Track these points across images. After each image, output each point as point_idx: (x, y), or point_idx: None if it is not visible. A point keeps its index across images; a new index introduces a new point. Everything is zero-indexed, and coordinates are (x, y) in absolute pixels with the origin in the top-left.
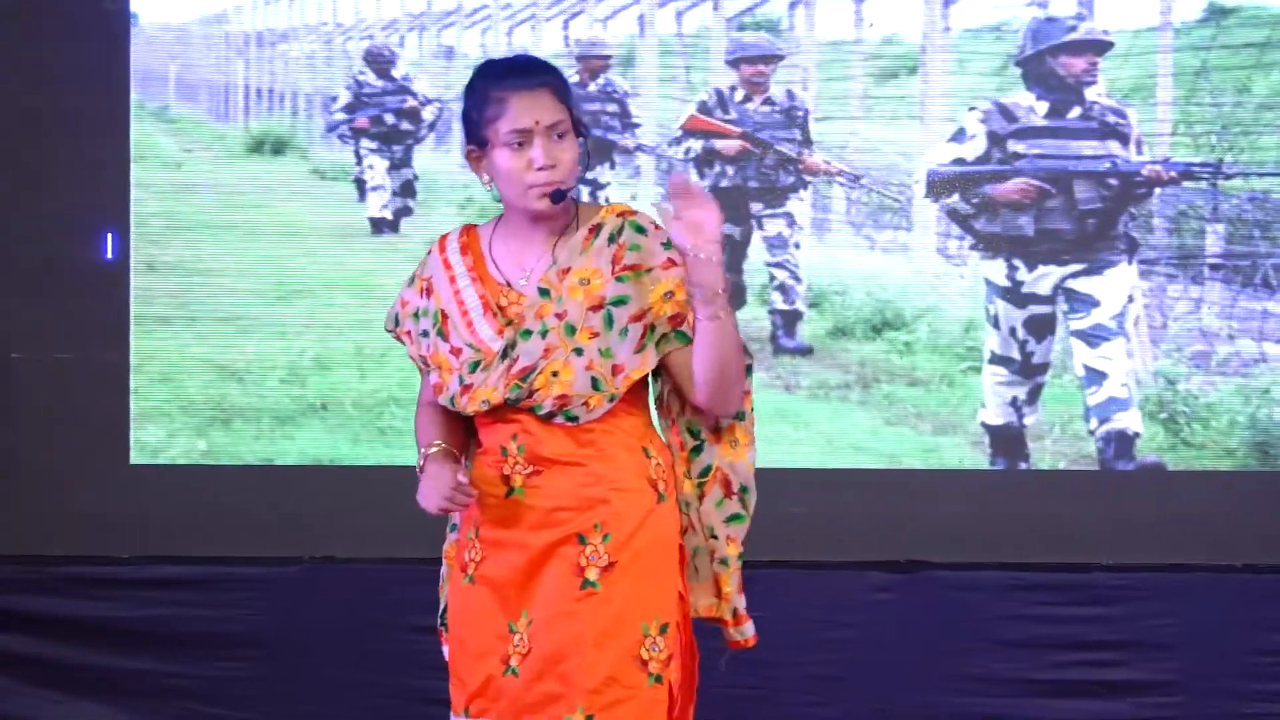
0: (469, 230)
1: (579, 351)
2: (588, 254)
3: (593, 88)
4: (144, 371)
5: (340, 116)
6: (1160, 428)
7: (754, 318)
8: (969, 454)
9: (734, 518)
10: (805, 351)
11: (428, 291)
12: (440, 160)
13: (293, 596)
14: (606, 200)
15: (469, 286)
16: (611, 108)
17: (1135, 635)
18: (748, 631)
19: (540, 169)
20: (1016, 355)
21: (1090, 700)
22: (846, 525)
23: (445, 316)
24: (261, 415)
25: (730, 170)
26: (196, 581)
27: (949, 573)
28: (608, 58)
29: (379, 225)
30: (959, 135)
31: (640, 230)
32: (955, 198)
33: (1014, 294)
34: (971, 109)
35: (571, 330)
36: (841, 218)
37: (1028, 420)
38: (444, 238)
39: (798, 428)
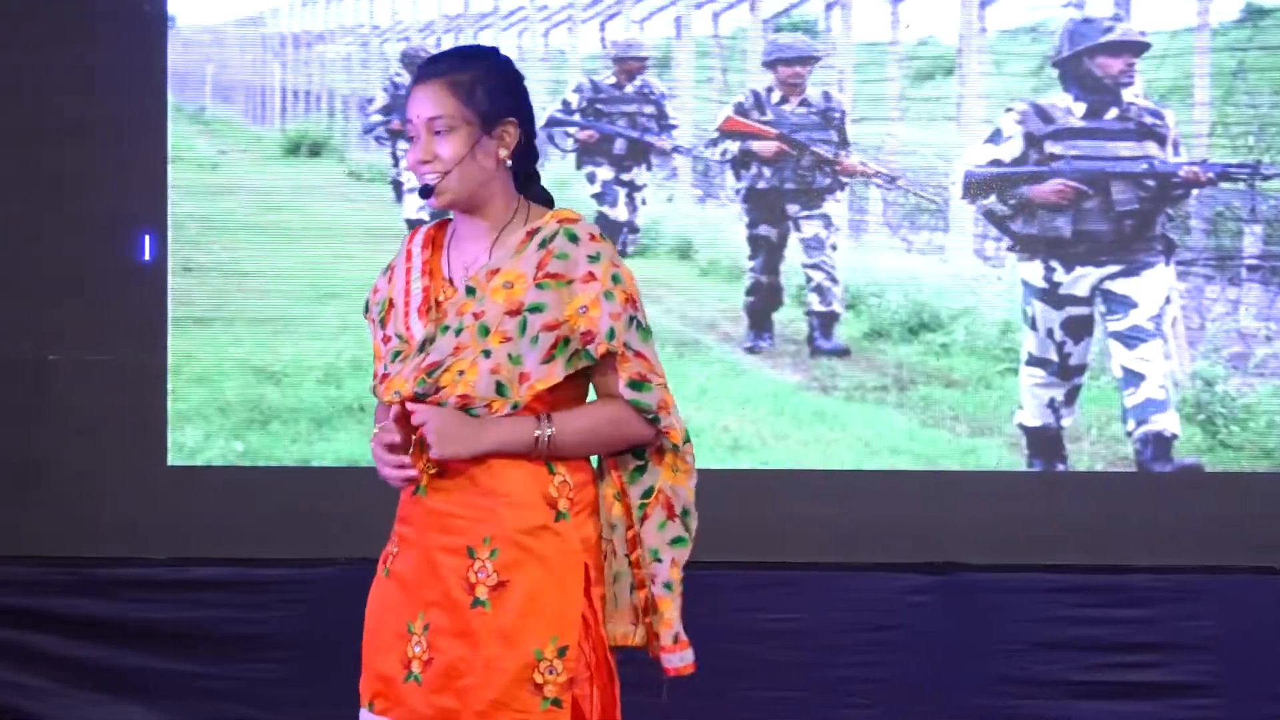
0: (441, 225)
1: (487, 354)
2: (519, 257)
3: (629, 89)
4: (181, 373)
5: (377, 118)
6: (1198, 429)
7: (790, 319)
8: (1006, 456)
9: (677, 540)
10: (842, 353)
11: (390, 280)
12: None
13: (329, 598)
14: (643, 202)
15: (418, 279)
16: (648, 109)
17: (1173, 637)
18: (688, 658)
19: (415, 163)
20: (1054, 357)
21: (1127, 702)
22: (883, 527)
23: (391, 305)
24: (298, 417)
25: (767, 172)
26: (233, 583)
27: (986, 575)
28: (644, 59)
29: (415, 227)
30: (996, 136)
31: (573, 239)
32: (992, 199)
33: (1051, 295)
34: (1008, 110)
35: (485, 331)
36: (878, 219)
37: (1065, 422)
38: (417, 228)
39: (834, 429)
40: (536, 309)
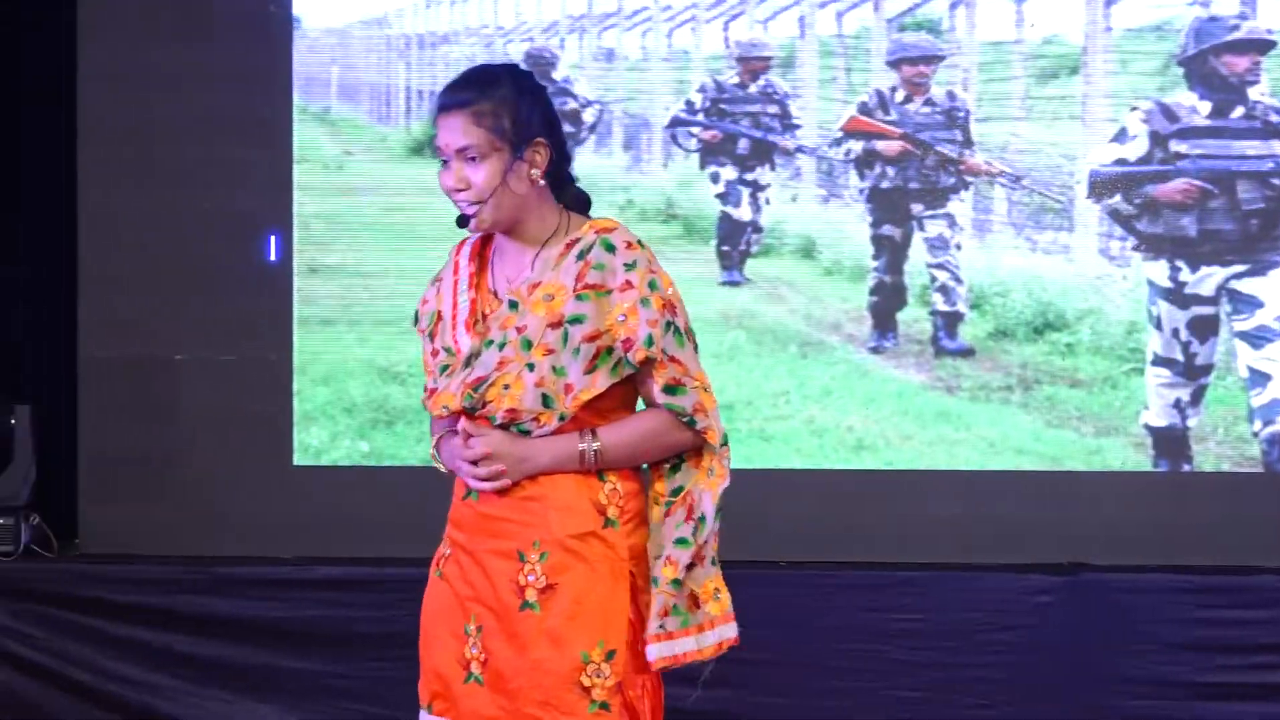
0: (487, 237)
1: (531, 367)
2: (559, 269)
3: (753, 89)
4: (307, 373)
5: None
6: None
7: (915, 319)
8: (1132, 456)
9: (681, 541)
10: (966, 353)
11: (439, 291)
12: (601, 162)
13: None
14: (767, 202)
15: (465, 292)
16: (772, 109)
17: None
18: (650, 654)
19: (449, 188)
20: (1179, 357)
21: (1255, 703)
22: (1008, 527)
23: (440, 318)
24: (423, 417)
25: (891, 171)
26: (359, 582)
27: (1111, 575)
28: (768, 59)
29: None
30: (1121, 135)
31: (609, 249)
32: (1117, 198)
33: (1177, 295)
34: (1133, 109)
35: (528, 345)
36: (1003, 219)
37: (1191, 422)
38: (463, 241)
39: (959, 429)
40: (577, 320)
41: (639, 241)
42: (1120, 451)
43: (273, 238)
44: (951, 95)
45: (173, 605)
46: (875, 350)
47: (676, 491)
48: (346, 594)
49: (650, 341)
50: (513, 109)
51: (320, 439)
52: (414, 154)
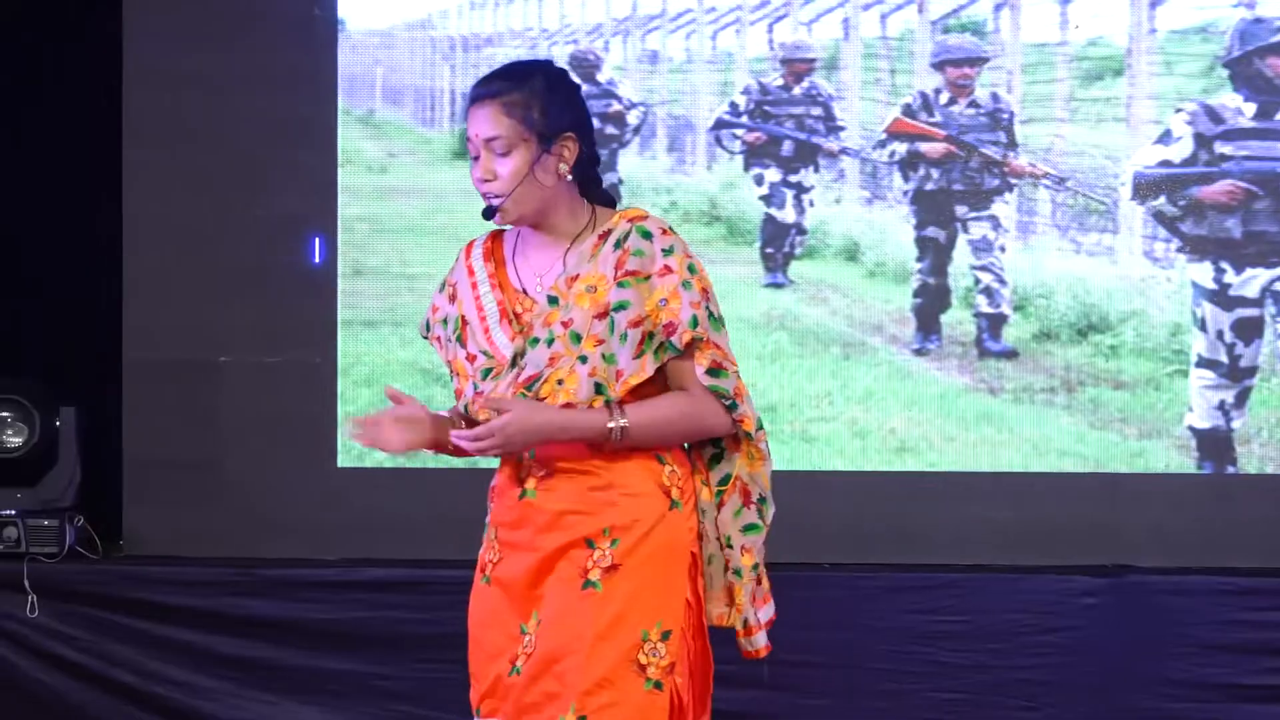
0: (495, 236)
1: (583, 359)
2: (595, 260)
3: (797, 91)
4: (350, 375)
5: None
6: None
7: (958, 321)
8: (1175, 458)
9: (750, 527)
10: (1010, 355)
11: (452, 297)
12: (645, 164)
13: None
14: (811, 204)
15: (489, 293)
16: (816, 111)
17: None
18: (759, 642)
19: (477, 180)
20: (1224, 358)
21: None
22: (1052, 530)
23: (465, 322)
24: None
25: (935, 173)
26: (403, 584)
27: (1156, 577)
28: (812, 61)
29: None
30: (1165, 137)
31: (646, 236)
32: (1161, 200)
33: (1221, 297)
34: (1178, 111)
35: (577, 338)
36: (1047, 221)
37: (1235, 424)
38: (471, 243)
39: (1002, 431)
40: (621, 307)
41: (671, 228)
42: (1164, 454)
43: (317, 240)
44: (996, 97)
45: (216, 607)
46: (919, 352)
47: (725, 480)
48: (391, 595)
49: (695, 323)
50: (543, 101)
51: None
52: (457, 157)
